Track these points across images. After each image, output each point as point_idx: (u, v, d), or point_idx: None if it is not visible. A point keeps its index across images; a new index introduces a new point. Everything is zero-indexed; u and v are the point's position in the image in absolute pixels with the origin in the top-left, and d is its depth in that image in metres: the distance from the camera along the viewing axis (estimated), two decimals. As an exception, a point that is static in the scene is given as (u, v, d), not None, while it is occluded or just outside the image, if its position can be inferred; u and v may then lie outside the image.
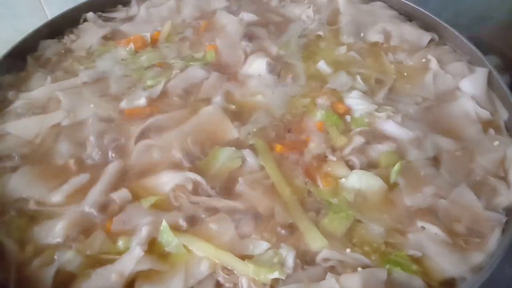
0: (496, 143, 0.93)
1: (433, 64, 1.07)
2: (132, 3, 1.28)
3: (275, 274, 0.71)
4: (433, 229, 0.79)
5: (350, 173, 0.85)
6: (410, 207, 0.82)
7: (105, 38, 1.16)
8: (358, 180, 0.84)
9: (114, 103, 0.99)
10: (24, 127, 0.95)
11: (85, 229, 0.80)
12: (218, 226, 0.78)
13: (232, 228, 0.78)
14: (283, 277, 0.71)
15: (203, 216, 0.80)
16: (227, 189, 0.84)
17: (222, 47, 1.12)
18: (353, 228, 0.79)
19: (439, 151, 0.91)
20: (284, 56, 1.10)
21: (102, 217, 0.80)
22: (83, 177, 0.86)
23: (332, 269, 0.74)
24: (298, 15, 1.24)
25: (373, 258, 0.75)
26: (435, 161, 0.89)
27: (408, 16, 1.22)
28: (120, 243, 0.77)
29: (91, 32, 1.17)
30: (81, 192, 0.84)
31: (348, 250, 0.76)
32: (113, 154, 0.89)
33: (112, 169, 0.87)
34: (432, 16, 1.17)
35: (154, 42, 1.15)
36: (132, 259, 0.73)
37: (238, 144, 0.90)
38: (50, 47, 1.14)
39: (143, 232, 0.76)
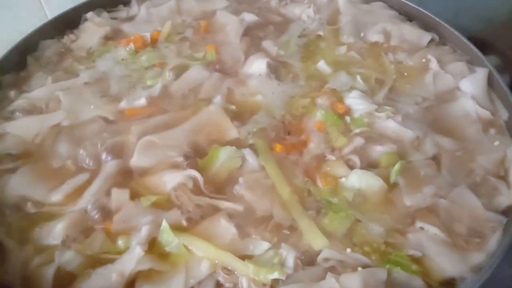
0: (496, 143, 0.93)
1: (433, 64, 1.07)
2: (133, 3, 1.27)
3: (275, 275, 0.71)
4: (433, 229, 0.79)
5: (350, 172, 0.85)
6: (410, 207, 0.82)
7: (106, 38, 1.16)
8: (358, 180, 0.84)
9: (114, 103, 0.99)
10: (24, 127, 0.95)
11: (85, 229, 0.80)
12: (218, 226, 0.78)
13: (233, 228, 0.78)
14: (283, 278, 0.71)
15: (203, 215, 0.80)
16: (226, 189, 0.84)
17: (222, 47, 1.12)
18: (353, 228, 0.79)
19: (439, 151, 0.91)
20: (284, 56, 1.10)
21: (102, 216, 0.80)
22: (83, 177, 0.86)
23: (332, 269, 0.74)
24: (298, 15, 1.24)
25: (373, 258, 0.75)
26: (435, 161, 0.89)
27: (408, 16, 1.22)
28: (120, 242, 0.77)
29: (91, 32, 1.17)
30: (81, 192, 0.84)
31: (348, 250, 0.76)
32: (113, 154, 0.89)
33: (112, 168, 0.87)
34: (432, 16, 1.17)
35: (154, 42, 1.15)
36: (132, 258, 0.73)
37: (238, 144, 0.90)
38: (50, 47, 1.14)
39: (143, 231, 0.76)
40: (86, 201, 0.82)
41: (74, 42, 1.16)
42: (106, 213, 0.81)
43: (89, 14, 1.22)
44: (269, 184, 0.84)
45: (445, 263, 0.75)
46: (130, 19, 1.24)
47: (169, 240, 0.76)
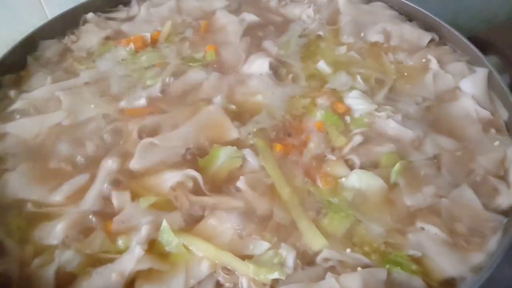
0: (496, 143, 0.93)
1: (433, 64, 1.07)
2: (133, 3, 1.28)
3: (275, 275, 0.71)
4: (433, 229, 0.79)
5: (350, 172, 0.85)
6: (410, 207, 0.82)
7: (106, 38, 1.16)
8: (358, 180, 0.84)
9: (114, 103, 0.99)
10: (24, 127, 0.95)
11: (85, 229, 0.80)
12: (218, 225, 0.78)
13: (232, 228, 0.78)
14: (283, 278, 0.71)
15: (203, 215, 0.80)
16: (226, 189, 0.84)
17: (222, 47, 1.12)
18: (353, 228, 0.79)
19: (440, 151, 0.90)
20: (284, 56, 1.10)
21: (102, 216, 0.80)
22: (83, 177, 0.86)
23: (332, 269, 0.74)
24: (298, 15, 1.24)
25: (373, 258, 0.75)
26: (436, 161, 0.89)
27: (408, 16, 1.22)
28: (120, 242, 0.77)
29: (91, 33, 1.17)
30: (81, 192, 0.84)
31: (348, 250, 0.76)
32: (113, 154, 0.89)
33: (112, 169, 0.86)
34: (432, 16, 1.17)
35: (154, 42, 1.15)
36: (132, 258, 0.73)
37: (238, 144, 0.89)
38: (50, 47, 1.14)
39: (143, 231, 0.76)
40: (87, 203, 0.82)
41: (74, 43, 1.16)
42: (107, 214, 0.81)
43: (89, 15, 1.22)
44: (269, 184, 0.84)
45: (445, 263, 0.75)
46: (130, 19, 1.24)
47: (169, 240, 0.76)
